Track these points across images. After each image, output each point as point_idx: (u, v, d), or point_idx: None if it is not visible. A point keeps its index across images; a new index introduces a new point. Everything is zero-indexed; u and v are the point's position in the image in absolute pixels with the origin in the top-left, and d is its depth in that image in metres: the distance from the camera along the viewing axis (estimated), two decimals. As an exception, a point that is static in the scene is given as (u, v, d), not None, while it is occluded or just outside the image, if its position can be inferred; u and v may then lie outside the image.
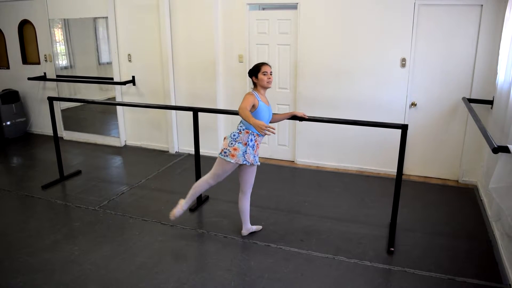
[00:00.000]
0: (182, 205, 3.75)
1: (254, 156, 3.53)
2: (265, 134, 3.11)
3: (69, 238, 3.92)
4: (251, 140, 3.47)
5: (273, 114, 3.88)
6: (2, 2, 6.98)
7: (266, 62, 3.64)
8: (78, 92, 7.13)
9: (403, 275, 3.33)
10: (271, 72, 3.52)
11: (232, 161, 3.46)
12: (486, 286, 3.19)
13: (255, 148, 3.53)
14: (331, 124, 5.18)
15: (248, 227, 3.89)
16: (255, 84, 3.55)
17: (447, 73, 4.91)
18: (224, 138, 3.59)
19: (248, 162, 3.48)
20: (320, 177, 5.42)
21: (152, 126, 6.59)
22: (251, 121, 3.10)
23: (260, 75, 3.47)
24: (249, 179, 3.68)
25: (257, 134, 3.51)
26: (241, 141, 3.45)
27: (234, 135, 3.48)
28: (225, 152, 3.48)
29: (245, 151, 3.45)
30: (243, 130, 3.46)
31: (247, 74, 5.69)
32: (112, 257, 3.59)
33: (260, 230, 4.02)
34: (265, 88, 3.54)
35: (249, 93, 3.47)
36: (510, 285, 3.14)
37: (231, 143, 3.46)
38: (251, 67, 3.59)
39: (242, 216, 3.84)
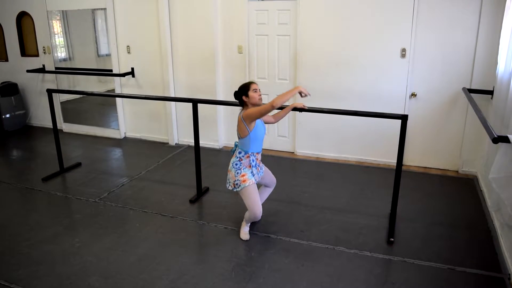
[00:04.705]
0: (243, 225, 3.80)
1: (258, 173, 3.61)
2: (306, 94, 3.42)
3: (70, 230, 3.93)
4: (253, 160, 3.54)
5: (274, 115, 3.86)
6: (-1, -6, 6.95)
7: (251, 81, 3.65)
8: (77, 84, 7.11)
9: (403, 265, 3.35)
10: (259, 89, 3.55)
11: (247, 185, 3.50)
12: (485, 275, 3.21)
13: (257, 166, 3.60)
14: (331, 115, 5.17)
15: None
16: (243, 104, 3.52)
17: (447, 63, 4.89)
18: (228, 171, 3.61)
19: (257, 181, 3.59)
20: (320, 168, 5.43)
21: (151, 118, 6.57)
22: (288, 95, 3.28)
23: (250, 93, 3.46)
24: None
25: (257, 153, 3.57)
26: (245, 166, 3.53)
27: (236, 165, 3.54)
28: (237, 184, 3.53)
29: (252, 172, 3.53)
30: (243, 156, 3.52)
31: (246, 67, 5.75)
32: (113, 249, 3.61)
33: (260, 220, 4.03)
34: (257, 105, 3.51)
35: (245, 111, 3.46)
36: (509, 274, 3.16)
37: (237, 172, 3.52)
38: (237, 89, 3.55)
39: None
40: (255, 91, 3.46)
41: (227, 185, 3.63)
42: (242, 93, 3.50)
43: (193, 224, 4.04)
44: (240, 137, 3.52)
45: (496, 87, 4.27)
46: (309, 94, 3.48)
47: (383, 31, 5.03)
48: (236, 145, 3.62)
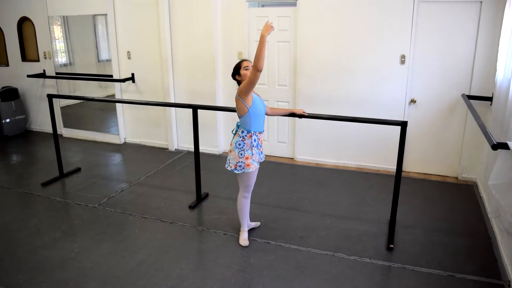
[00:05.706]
0: (242, 231, 3.80)
1: (259, 154, 3.57)
2: (271, 28, 3.30)
3: (69, 236, 3.92)
4: (255, 140, 3.50)
5: (272, 108, 3.88)
6: (1, -1, 6.98)
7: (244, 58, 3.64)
8: (77, 90, 7.11)
9: (403, 271, 3.34)
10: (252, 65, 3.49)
11: (250, 170, 3.49)
12: (485, 282, 3.20)
13: (259, 146, 3.56)
14: (330, 121, 5.17)
15: (247, 225, 3.87)
16: (240, 83, 3.52)
17: (447, 69, 4.91)
18: (230, 151, 3.56)
19: (258, 163, 3.56)
20: (320, 174, 5.42)
21: (151, 124, 6.58)
22: (262, 47, 3.18)
23: (242, 71, 3.46)
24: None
25: (259, 132, 3.53)
26: (248, 147, 3.48)
27: (239, 145, 3.49)
28: (240, 166, 3.49)
29: (253, 154, 3.48)
30: (245, 135, 3.48)
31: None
32: (112, 255, 3.60)
33: (259, 226, 4.02)
34: None
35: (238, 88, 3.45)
36: (509, 281, 3.15)
37: (241, 154, 3.48)
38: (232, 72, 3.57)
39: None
40: (247, 69, 3.45)
41: (226, 165, 3.57)
42: (235, 73, 3.51)
43: (193, 230, 4.03)
44: (240, 116, 3.48)
45: (495, 93, 4.28)
46: (272, 26, 3.39)
47: (382, 37, 5.05)
48: (238, 125, 3.57)
